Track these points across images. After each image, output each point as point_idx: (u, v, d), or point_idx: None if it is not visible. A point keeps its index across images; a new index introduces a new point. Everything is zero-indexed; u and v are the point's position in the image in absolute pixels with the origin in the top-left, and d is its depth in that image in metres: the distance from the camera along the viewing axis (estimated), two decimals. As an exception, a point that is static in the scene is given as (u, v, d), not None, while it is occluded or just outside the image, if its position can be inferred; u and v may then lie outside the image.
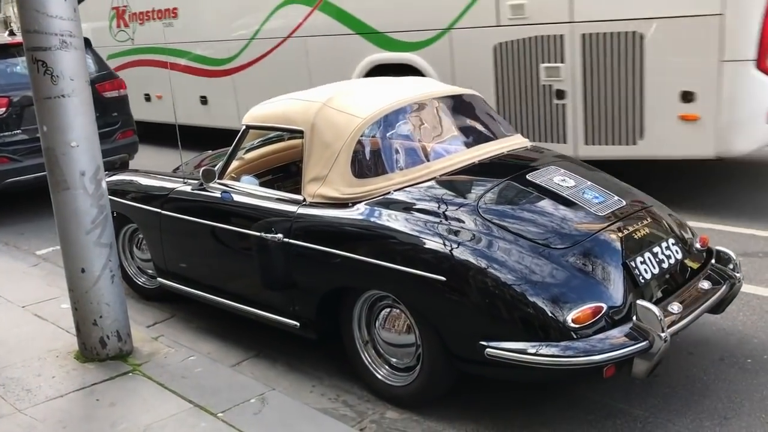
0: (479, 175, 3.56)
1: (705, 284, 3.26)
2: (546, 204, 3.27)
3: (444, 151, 3.67)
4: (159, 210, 4.30)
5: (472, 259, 2.96)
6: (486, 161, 3.65)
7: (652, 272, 3.11)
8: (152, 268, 4.70)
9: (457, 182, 3.48)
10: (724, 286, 3.27)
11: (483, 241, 3.03)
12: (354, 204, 3.41)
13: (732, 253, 3.44)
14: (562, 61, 5.77)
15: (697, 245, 3.47)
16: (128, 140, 7.78)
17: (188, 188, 4.21)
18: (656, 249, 3.20)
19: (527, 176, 3.45)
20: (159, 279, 4.52)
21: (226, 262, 4.04)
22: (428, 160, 3.55)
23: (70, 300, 3.70)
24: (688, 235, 3.48)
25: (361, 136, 3.52)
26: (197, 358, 3.78)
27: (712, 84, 5.16)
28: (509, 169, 3.60)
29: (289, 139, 4.75)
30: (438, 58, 6.52)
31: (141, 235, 4.78)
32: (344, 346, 3.55)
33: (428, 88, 4.00)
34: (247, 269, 3.86)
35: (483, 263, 2.94)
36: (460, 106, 4.04)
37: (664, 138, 5.50)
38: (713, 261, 3.43)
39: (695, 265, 3.37)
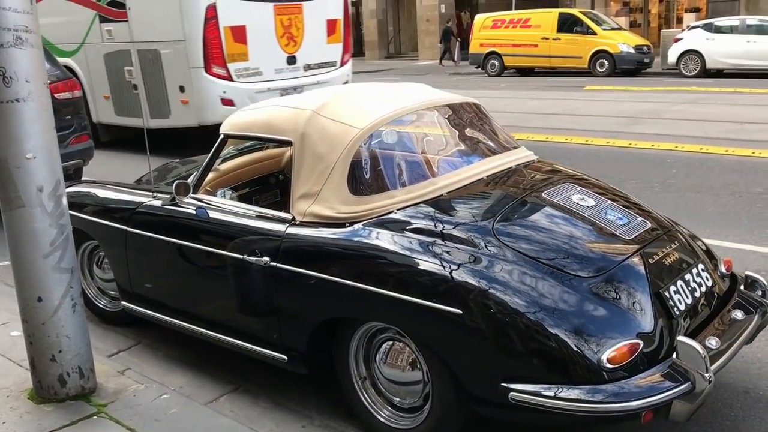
0: (490, 193, 3.23)
1: (738, 313, 2.98)
2: (567, 226, 2.95)
3: (449, 165, 3.33)
4: (125, 227, 3.86)
5: (491, 291, 2.63)
6: (495, 177, 3.33)
7: (685, 302, 2.82)
8: (115, 289, 4.25)
9: (467, 201, 3.13)
10: (757, 315, 3.01)
11: (502, 269, 2.69)
12: (351, 224, 3.05)
13: (761, 278, 3.18)
14: (132, 66, 9.32)
15: (722, 269, 3.21)
16: (83, 145, 7.24)
17: (158, 203, 3.78)
18: (687, 276, 2.92)
19: (543, 194, 3.13)
20: (123, 302, 4.07)
21: (201, 286, 3.63)
22: (433, 176, 3.20)
23: (23, 332, 3.24)
24: (713, 260, 3.22)
25: (359, 148, 3.16)
26: (171, 396, 3.36)
27: (190, 81, 8.91)
28: (522, 186, 3.28)
29: (269, 148, 4.38)
30: (81, 62, 10.09)
31: (102, 253, 4.33)
32: (338, 382, 3.19)
33: (427, 95, 3.65)
34: (225, 294, 3.46)
35: (504, 295, 2.61)
36: (461, 115, 3.70)
37: (178, 114, 9.24)
38: (742, 287, 3.17)
39: (723, 293, 3.10)
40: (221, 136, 3.63)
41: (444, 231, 2.88)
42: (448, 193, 3.12)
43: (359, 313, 2.99)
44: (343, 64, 10.22)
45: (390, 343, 3.01)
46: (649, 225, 3.09)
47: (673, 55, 18.21)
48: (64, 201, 3.16)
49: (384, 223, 2.99)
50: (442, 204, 3.06)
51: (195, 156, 5.34)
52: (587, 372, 2.51)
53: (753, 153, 7.99)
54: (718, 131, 9.39)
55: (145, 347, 4.13)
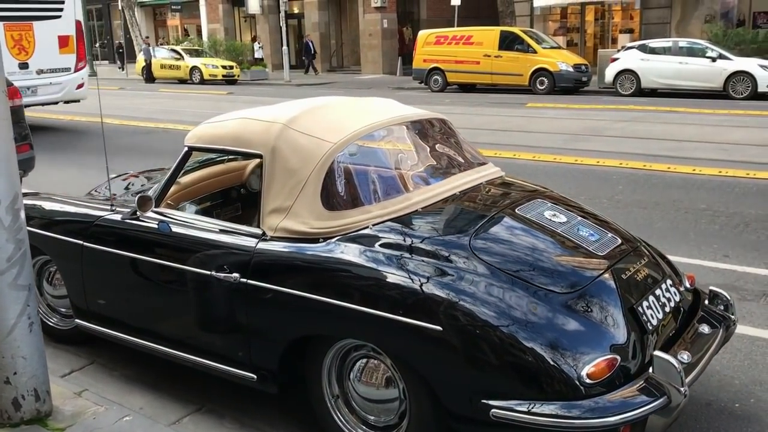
0: (464, 209, 3.24)
1: (704, 327, 3.06)
2: (542, 242, 2.97)
3: (422, 181, 3.32)
4: (81, 241, 3.71)
5: (469, 306, 2.62)
6: (467, 192, 3.33)
7: (657, 317, 2.87)
8: (66, 306, 4.09)
9: (442, 216, 3.13)
10: (722, 329, 3.09)
11: (480, 284, 2.69)
12: (325, 239, 3.00)
13: (725, 293, 3.27)
14: None
15: (686, 284, 3.29)
16: (24, 155, 6.97)
17: (118, 217, 3.65)
18: (657, 291, 2.98)
19: (517, 210, 3.15)
20: (77, 320, 3.91)
21: (164, 303, 3.51)
22: (407, 191, 3.18)
23: (-24, 354, 3.07)
24: (678, 275, 3.29)
25: (332, 163, 3.11)
26: (133, 419, 3.23)
27: None
28: (495, 202, 3.30)
29: (231, 161, 4.29)
30: None
31: (53, 269, 4.15)
32: (309, 401, 3.13)
33: (397, 110, 3.64)
34: (190, 312, 3.36)
35: (486, 312, 2.60)
36: (430, 131, 3.70)
37: None
38: (706, 301, 3.25)
39: (688, 307, 3.18)
40: (185, 149, 3.53)
41: (420, 247, 2.86)
42: (422, 208, 3.11)
43: (334, 330, 2.94)
44: (77, 70, 13.23)
45: (365, 360, 2.97)
46: (619, 241, 3.14)
47: (610, 74, 18.78)
48: (22, 215, 3.02)
49: (359, 238, 2.95)
50: (417, 219, 3.04)
51: (150, 169, 5.20)
52: (565, 387, 2.52)
53: (694, 170, 8.28)
54: (659, 149, 9.70)
55: (99, 367, 3.97)
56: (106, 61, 41.50)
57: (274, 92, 22.46)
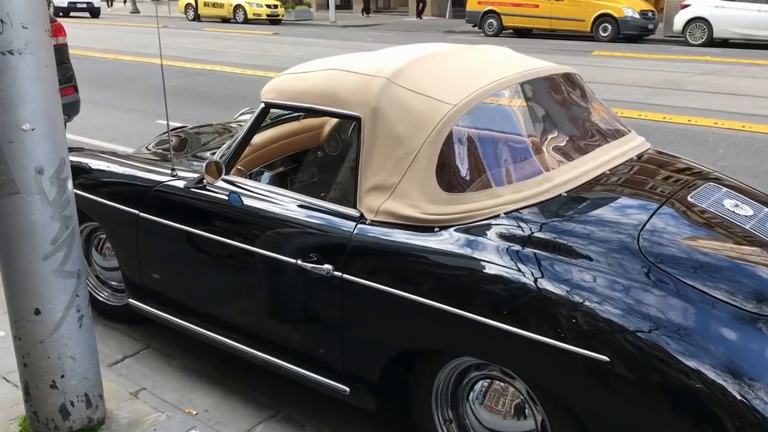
0: (622, 195, 2.57)
1: None
2: (732, 243, 2.31)
3: (562, 155, 2.65)
4: (137, 211, 3.15)
5: (650, 335, 1.98)
6: (618, 171, 2.67)
7: None
8: (118, 279, 3.57)
9: (595, 204, 2.47)
10: None
11: (661, 303, 2.05)
12: (441, 229, 2.38)
13: None
14: None
15: None
16: (68, 99, 6.43)
17: (180, 184, 3.08)
18: None
19: (689, 198, 2.48)
20: (130, 300, 3.38)
21: (235, 291, 2.95)
22: (546, 170, 2.52)
23: (15, 353, 2.55)
24: None
25: (452, 131, 2.47)
26: (200, 431, 2.71)
27: None
28: (658, 187, 2.63)
29: (305, 118, 3.67)
30: None
31: (103, 236, 3.62)
32: (414, 421, 2.56)
33: (520, 63, 2.94)
34: (266, 303, 2.81)
35: (669, 342, 1.97)
36: (564, 90, 3.00)
37: None
38: None
39: None
40: (262, 106, 2.92)
41: (570, 247, 2.22)
42: (567, 192, 2.46)
43: (452, 345, 2.35)
44: None
45: (487, 381, 2.38)
46: None
47: (679, 22, 17.55)
48: (70, 186, 2.44)
49: (486, 230, 2.33)
50: (562, 208, 2.39)
51: (205, 125, 4.58)
52: None
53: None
54: (754, 107, 8.80)
55: (155, 353, 3.45)
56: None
57: (321, 33, 21.63)
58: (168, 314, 3.21)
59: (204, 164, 2.89)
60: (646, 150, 2.92)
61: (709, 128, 7.69)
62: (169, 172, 3.18)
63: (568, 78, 3.01)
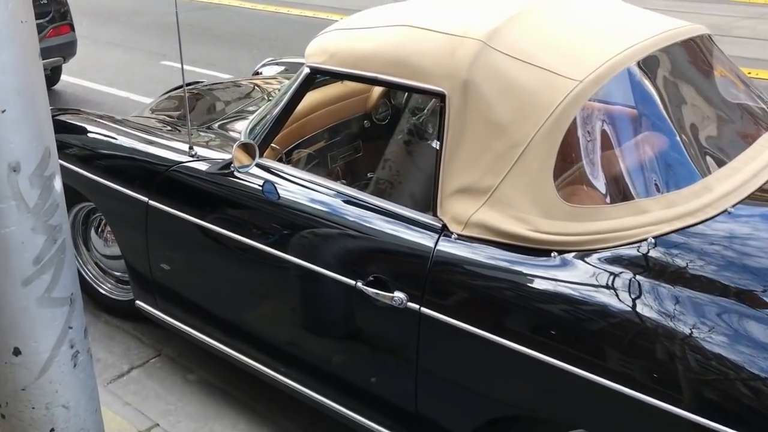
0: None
1: None
2: None
3: (720, 153, 1.99)
4: (146, 199, 2.53)
5: None
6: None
7: None
8: (122, 269, 2.97)
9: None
10: None
11: None
12: (562, 254, 1.75)
13: None
14: None
15: None
16: (63, 39, 5.77)
17: (201, 166, 2.44)
18: None
19: None
20: (137, 302, 2.80)
21: (268, 308, 2.37)
22: (703, 174, 1.86)
23: (-9, 399, 1.96)
24: None
25: (576, 117, 1.82)
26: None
27: None
28: None
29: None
30: None
31: (103, 219, 3.01)
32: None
33: (647, 22, 2.23)
34: (312, 329, 2.22)
35: None
36: (706, 58, 2.29)
37: None
38: None
39: None
40: (306, 71, 2.25)
41: (753, 292, 1.60)
42: (733, 207, 1.81)
43: (569, 415, 1.75)
44: None
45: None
46: None
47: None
48: (58, 185, 1.81)
49: (632, 262, 1.70)
50: (732, 231, 1.76)
51: (220, 83, 3.84)
52: None
53: None
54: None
55: (168, 363, 2.88)
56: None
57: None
58: (184, 324, 2.62)
59: (234, 145, 2.25)
60: None
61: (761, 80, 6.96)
62: (185, 149, 2.54)
63: (705, 42, 2.31)
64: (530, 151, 1.80)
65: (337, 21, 2.40)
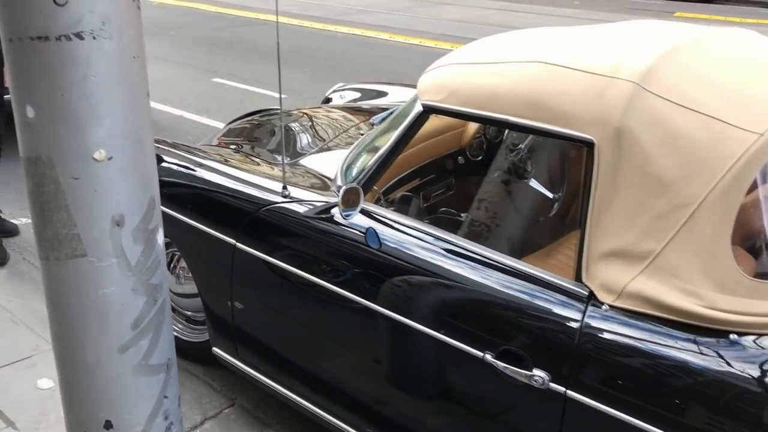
0: None
1: None
2: None
3: None
4: (233, 241, 2.32)
5: None
6: None
7: None
8: (196, 308, 2.78)
9: None
10: None
11: None
12: (742, 336, 1.50)
13: None
14: None
15: None
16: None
17: (298, 209, 2.23)
18: None
19: None
20: (215, 349, 2.59)
21: (370, 371, 2.13)
22: None
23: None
24: None
25: (759, 176, 1.57)
26: None
27: None
28: None
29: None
30: None
31: (176, 252, 2.82)
32: None
33: None
34: (424, 399, 1.98)
35: None
36: None
37: None
38: None
39: None
40: (419, 110, 2.03)
41: None
42: None
43: None
44: None
45: None
46: None
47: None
48: (160, 238, 1.60)
49: None
50: None
51: (296, 111, 3.62)
52: None
53: None
54: None
55: (243, 414, 2.67)
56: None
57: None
58: (266, 376, 2.40)
59: (340, 187, 2.04)
60: None
61: None
62: (274, 187, 2.33)
63: None
64: (701, 214, 1.56)
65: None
